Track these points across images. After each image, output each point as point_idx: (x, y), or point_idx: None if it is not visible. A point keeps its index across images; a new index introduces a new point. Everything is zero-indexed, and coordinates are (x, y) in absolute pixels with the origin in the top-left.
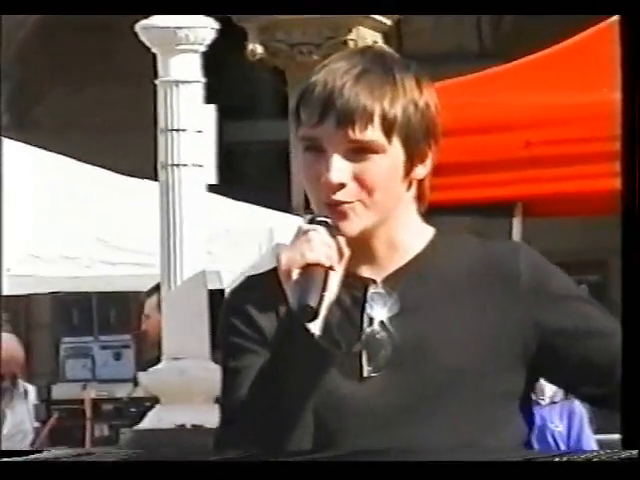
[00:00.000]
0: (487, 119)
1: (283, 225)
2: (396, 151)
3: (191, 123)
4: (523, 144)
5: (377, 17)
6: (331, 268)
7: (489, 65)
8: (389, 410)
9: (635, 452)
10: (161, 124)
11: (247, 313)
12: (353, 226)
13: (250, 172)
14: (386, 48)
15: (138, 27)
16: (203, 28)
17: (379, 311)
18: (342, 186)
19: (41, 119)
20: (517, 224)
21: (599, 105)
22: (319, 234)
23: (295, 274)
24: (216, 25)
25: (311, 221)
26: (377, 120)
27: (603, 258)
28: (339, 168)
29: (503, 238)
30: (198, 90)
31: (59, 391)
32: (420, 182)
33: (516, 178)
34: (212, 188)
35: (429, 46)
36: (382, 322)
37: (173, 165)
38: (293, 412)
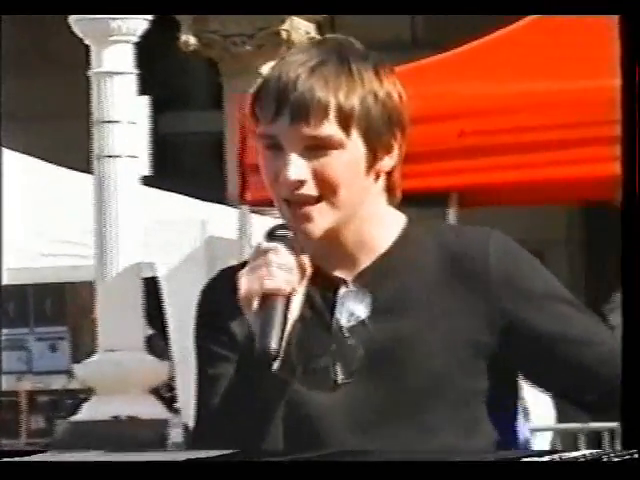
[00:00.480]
0: (421, 109)
1: (217, 216)
2: (356, 145)
3: (125, 114)
4: (457, 134)
5: None
6: (292, 292)
7: (423, 55)
8: (365, 415)
9: (635, 452)
10: (95, 116)
11: (222, 319)
12: (317, 227)
13: (185, 163)
14: (346, 38)
15: (71, 19)
16: (136, 19)
17: (351, 313)
18: (301, 183)
19: None
20: (452, 214)
21: (532, 95)
22: (278, 256)
23: (255, 304)
24: (149, 16)
25: (270, 235)
26: (332, 114)
27: (538, 249)
28: (297, 165)
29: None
30: (132, 81)
31: None
32: (389, 173)
33: (450, 168)
34: (146, 179)
35: (362, 36)
36: (354, 324)
37: (107, 156)
38: (260, 425)
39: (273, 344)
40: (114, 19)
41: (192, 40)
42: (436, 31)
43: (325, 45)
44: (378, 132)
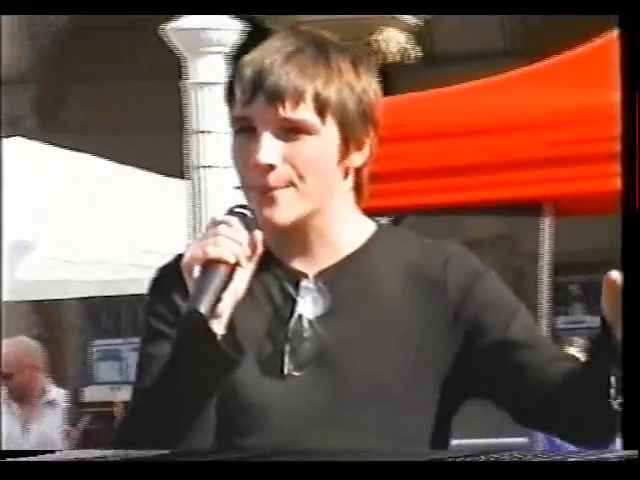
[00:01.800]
0: (514, 119)
1: None
2: (330, 133)
3: (219, 125)
4: (548, 143)
5: (402, 17)
6: (237, 264)
7: (515, 65)
8: (308, 410)
9: (635, 452)
10: (189, 126)
11: (171, 296)
12: (285, 214)
13: None
14: (322, 32)
15: (165, 29)
16: (229, 30)
17: (308, 307)
18: (272, 167)
19: (67, 120)
20: (547, 223)
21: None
22: (229, 228)
23: (196, 271)
24: (241, 27)
25: (229, 211)
26: (309, 99)
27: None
28: (269, 147)
29: (444, 239)
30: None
31: (89, 394)
32: (358, 173)
33: (543, 177)
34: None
35: (457, 46)
36: (310, 320)
37: (202, 167)
38: (190, 409)
39: (202, 307)
40: (207, 30)
41: None
42: (530, 39)
43: (302, 35)
44: (353, 124)
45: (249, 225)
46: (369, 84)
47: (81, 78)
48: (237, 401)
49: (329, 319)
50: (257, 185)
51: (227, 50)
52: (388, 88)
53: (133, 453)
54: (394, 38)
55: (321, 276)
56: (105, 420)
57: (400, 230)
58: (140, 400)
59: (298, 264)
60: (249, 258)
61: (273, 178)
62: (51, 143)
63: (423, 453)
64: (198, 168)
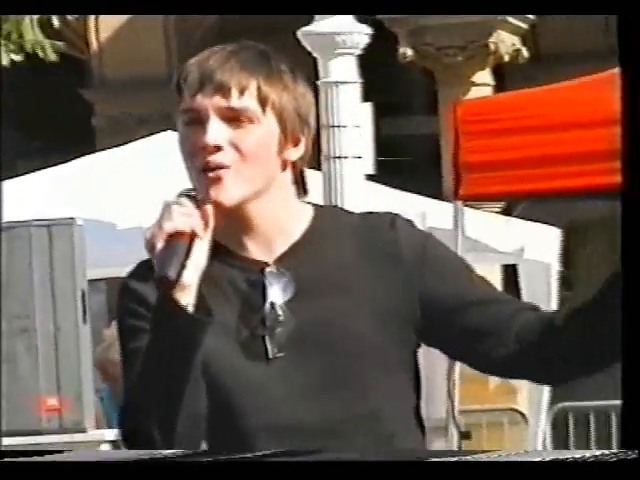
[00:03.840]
0: (615, 112)
1: (435, 210)
2: (270, 123)
3: (350, 119)
4: None
5: (514, 21)
6: (194, 235)
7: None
8: (302, 386)
9: (635, 452)
10: (323, 121)
11: (141, 294)
12: (228, 193)
13: (404, 163)
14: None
15: (300, 33)
16: (358, 33)
17: (278, 293)
18: (219, 149)
19: None
20: None
21: None
22: (180, 205)
23: (158, 246)
24: (370, 30)
25: (179, 195)
26: (252, 90)
27: None
28: (216, 131)
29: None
30: (356, 90)
31: None
32: (295, 168)
33: None
34: (370, 177)
35: (565, 47)
36: (282, 304)
37: (335, 157)
38: (176, 383)
39: (170, 272)
40: (340, 34)
41: (409, 52)
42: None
43: (243, 42)
44: (290, 120)
45: (198, 203)
46: (305, 90)
47: None
48: (228, 388)
49: (298, 300)
50: (205, 164)
51: (358, 52)
52: (503, 86)
53: (132, 454)
54: (508, 40)
55: (280, 262)
56: None
57: (336, 207)
58: (136, 391)
59: (255, 254)
60: (204, 229)
61: (219, 157)
62: None
63: (423, 453)
64: (331, 159)
